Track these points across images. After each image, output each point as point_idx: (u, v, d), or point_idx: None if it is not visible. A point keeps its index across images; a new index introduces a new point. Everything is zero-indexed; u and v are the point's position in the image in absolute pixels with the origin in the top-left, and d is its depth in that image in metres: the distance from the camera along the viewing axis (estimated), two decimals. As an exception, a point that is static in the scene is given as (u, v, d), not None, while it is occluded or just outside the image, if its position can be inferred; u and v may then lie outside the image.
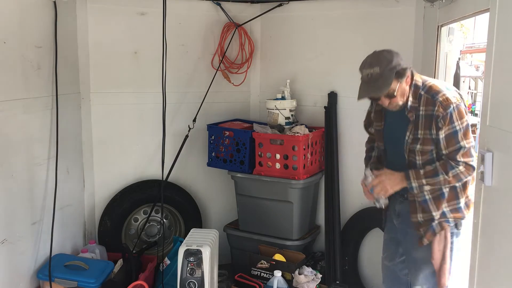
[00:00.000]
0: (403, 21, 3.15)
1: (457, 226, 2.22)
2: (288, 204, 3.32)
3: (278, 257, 3.25)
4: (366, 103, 3.34)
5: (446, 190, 2.20)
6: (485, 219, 1.82)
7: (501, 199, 1.68)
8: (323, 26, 3.53)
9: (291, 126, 3.43)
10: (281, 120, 3.43)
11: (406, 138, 2.24)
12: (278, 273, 3.01)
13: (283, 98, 3.47)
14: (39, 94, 2.83)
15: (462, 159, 2.10)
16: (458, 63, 2.88)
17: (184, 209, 3.69)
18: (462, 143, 2.10)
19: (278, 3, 3.65)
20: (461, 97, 2.19)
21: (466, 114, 2.12)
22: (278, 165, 3.30)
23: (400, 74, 2.12)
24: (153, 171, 3.56)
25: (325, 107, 3.48)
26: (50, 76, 2.90)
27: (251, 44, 3.76)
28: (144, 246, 3.45)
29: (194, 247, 2.75)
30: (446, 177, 2.11)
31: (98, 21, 3.35)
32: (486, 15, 1.92)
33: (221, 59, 3.64)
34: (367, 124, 2.57)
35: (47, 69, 2.88)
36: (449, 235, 2.21)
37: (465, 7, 2.32)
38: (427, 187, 2.18)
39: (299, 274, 3.09)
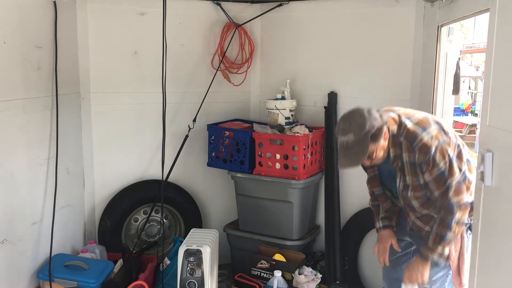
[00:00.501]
0: (403, 21, 3.15)
1: (470, 227, 2.21)
2: (288, 204, 3.32)
3: (278, 257, 3.25)
4: (366, 103, 3.36)
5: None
6: (485, 219, 1.82)
7: (501, 199, 1.68)
8: (323, 26, 3.52)
9: (291, 126, 3.43)
10: (281, 120, 3.43)
11: (397, 185, 2.24)
12: (278, 273, 3.01)
13: (283, 98, 3.47)
14: (39, 94, 2.83)
15: (454, 201, 2.07)
16: (458, 63, 2.87)
17: (184, 209, 3.70)
18: (449, 181, 2.07)
19: (278, 3, 3.65)
20: (441, 129, 2.12)
21: (448, 150, 2.06)
22: (278, 165, 3.30)
23: (375, 136, 2.04)
24: (153, 171, 3.56)
25: (325, 107, 3.48)
26: (50, 76, 2.90)
27: (251, 44, 3.76)
28: (144, 246, 3.46)
29: (194, 247, 2.75)
30: (452, 232, 2.10)
31: (98, 21, 3.35)
32: (486, 15, 1.92)
33: (221, 59, 3.64)
34: (363, 167, 2.46)
35: (47, 69, 2.88)
36: (465, 235, 2.21)
37: (465, 7, 2.32)
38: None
39: (299, 274, 3.09)
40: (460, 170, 2.12)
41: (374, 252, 2.48)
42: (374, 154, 2.09)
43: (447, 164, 2.06)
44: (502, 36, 1.71)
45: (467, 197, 2.09)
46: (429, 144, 2.05)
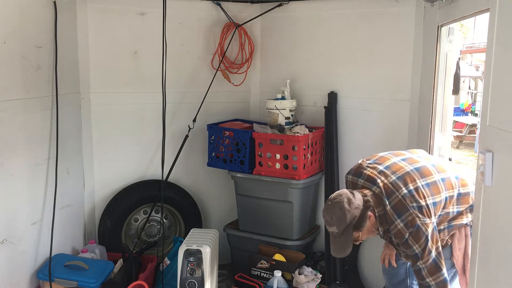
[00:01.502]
0: (403, 21, 3.15)
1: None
2: (288, 204, 3.32)
3: (278, 257, 3.25)
4: (366, 103, 3.37)
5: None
6: (485, 219, 1.82)
7: (501, 199, 1.68)
8: (323, 26, 3.53)
9: (291, 126, 3.43)
10: (281, 120, 3.43)
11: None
12: (278, 273, 3.01)
13: (283, 98, 3.47)
14: (39, 94, 2.83)
15: (428, 281, 2.10)
16: (458, 63, 2.87)
17: (184, 209, 3.69)
18: (419, 263, 2.10)
19: (278, 3, 3.65)
20: (420, 207, 2.10)
21: (424, 232, 2.07)
22: (278, 165, 3.30)
23: (358, 225, 2.12)
24: (153, 171, 3.57)
25: (325, 107, 3.48)
26: (50, 76, 2.90)
27: (251, 44, 3.76)
28: (144, 246, 3.45)
29: (194, 247, 2.75)
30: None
31: (98, 21, 3.35)
32: (486, 15, 1.92)
33: (221, 59, 3.64)
34: None
35: (47, 69, 2.88)
36: (469, 233, 2.22)
37: (465, 7, 2.32)
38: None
39: (299, 274, 3.09)
40: (447, 213, 2.16)
41: (381, 260, 2.56)
42: (361, 237, 2.21)
43: (422, 246, 2.09)
44: (502, 36, 1.71)
45: (444, 275, 2.11)
46: (402, 232, 2.10)
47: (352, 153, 3.46)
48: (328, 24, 3.50)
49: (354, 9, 3.36)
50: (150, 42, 3.34)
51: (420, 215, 2.09)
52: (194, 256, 2.74)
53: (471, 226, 2.22)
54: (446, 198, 2.17)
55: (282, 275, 3.05)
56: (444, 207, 2.18)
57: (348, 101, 3.44)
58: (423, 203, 2.10)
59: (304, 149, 3.24)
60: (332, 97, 3.46)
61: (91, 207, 3.52)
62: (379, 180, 2.18)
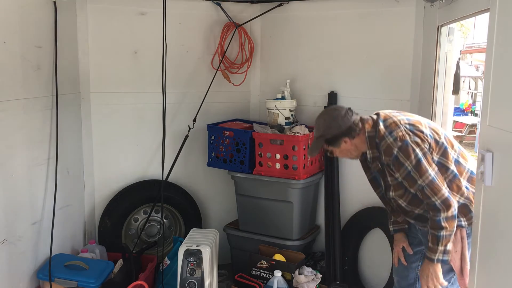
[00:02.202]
0: (403, 21, 3.15)
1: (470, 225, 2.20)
2: (288, 204, 3.32)
3: (278, 257, 3.25)
4: (366, 103, 3.37)
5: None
6: (485, 219, 1.82)
7: (501, 199, 1.68)
8: (323, 26, 3.53)
9: (291, 126, 3.43)
10: (281, 120, 3.43)
11: (383, 186, 2.33)
12: (278, 273, 3.01)
13: (283, 98, 3.47)
14: (39, 94, 2.83)
15: (433, 200, 2.08)
16: (458, 63, 2.87)
17: (184, 209, 3.69)
18: (419, 182, 2.09)
19: (278, 3, 3.65)
20: (411, 130, 2.14)
21: (414, 149, 2.08)
22: (278, 165, 3.30)
23: (330, 141, 2.26)
24: (153, 171, 3.56)
25: (325, 107, 3.48)
26: (50, 76, 2.90)
27: (251, 44, 3.76)
28: (144, 246, 3.45)
29: (194, 247, 2.75)
30: (445, 230, 2.10)
31: (98, 21, 3.35)
32: (486, 15, 1.92)
33: (221, 59, 3.64)
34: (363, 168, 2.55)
35: (47, 69, 2.88)
36: (465, 235, 2.20)
37: (465, 7, 2.32)
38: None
39: (299, 274, 3.09)
40: (446, 168, 2.14)
41: (393, 260, 2.54)
42: (335, 154, 2.35)
43: (413, 164, 2.09)
44: (502, 36, 1.71)
45: (447, 193, 2.09)
46: (392, 146, 2.12)
47: (352, 153, 3.46)
48: (328, 24, 3.50)
49: (354, 9, 3.36)
50: (150, 42, 3.34)
51: (411, 134, 2.12)
52: (194, 256, 2.74)
53: (466, 227, 2.21)
54: (445, 146, 2.17)
55: (282, 275, 3.05)
56: (442, 154, 2.15)
57: (348, 101, 3.43)
58: (418, 128, 2.15)
59: (304, 149, 3.24)
60: (332, 97, 3.46)
61: (91, 207, 3.52)
62: (381, 112, 2.28)
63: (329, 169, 3.44)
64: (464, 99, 12.76)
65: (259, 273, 3.23)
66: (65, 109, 3.04)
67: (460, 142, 10.42)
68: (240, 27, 3.68)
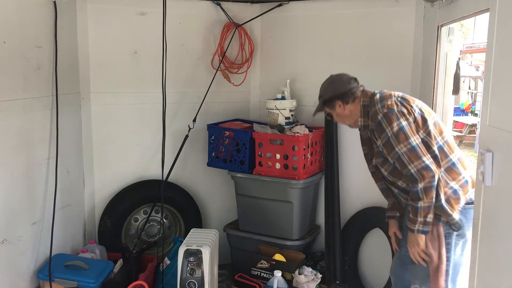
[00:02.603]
0: (403, 21, 3.15)
1: (452, 226, 2.19)
2: (288, 204, 3.32)
3: (278, 257, 3.25)
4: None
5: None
6: (485, 219, 1.82)
7: (501, 199, 1.68)
8: (323, 26, 3.53)
9: (291, 126, 3.43)
10: (281, 120, 3.43)
11: (369, 154, 2.44)
12: (278, 273, 3.01)
13: (283, 98, 3.47)
14: (39, 94, 2.83)
15: (410, 167, 2.12)
16: (458, 63, 2.88)
17: (184, 209, 3.69)
18: (397, 149, 2.15)
19: (278, 3, 3.65)
20: (401, 102, 2.24)
21: (398, 118, 2.16)
22: (278, 165, 3.30)
23: (326, 103, 2.46)
24: (153, 171, 3.56)
25: (325, 107, 3.48)
26: (50, 76, 2.90)
27: (251, 44, 3.76)
28: (144, 246, 3.46)
29: (194, 247, 2.75)
30: (422, 201, 2.13)
31: (98, 21, 3.35)
32: (486, 15, 1.92)
33: (221, 59, 3.64)
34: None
35: (47, 69, 2.88)
36: (442, 233, 2.20)
37: (465, 7, 2.32)
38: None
39: (299, 274, 3.09)
40: (428, 146, 2.18)
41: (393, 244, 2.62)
42: (334, 118, 2.53)
43: (394, 130, 2.16)
44: (502, 36, 1.71)
45: (426, 162, 2.12)
46: (378, 112, 2.23)
47: (352, 153, 3.46)
48: (328, 24, 3.51)
49: (354, 9, 3.37)
50: (150, 42, 3.34)
51: (399, 104, 2.23)
52: (194, 256, 2.74)
53: (446, 224, 2.20)
54: (430, 128, 2.22)
55: (282, 275, 3.05)
56: (428, 134, 2.21)
57: (348, 101, 3.43)
58: (408, 102, 2.26)
59: (304, 149, 3.24)
60: (332, 97, 3.46)
61: (91, 207, 3.52)
62: (385, 90, 2.38)
63: (329, 169, 3.44)
64: (464, 99, 12.76)
65: (259, 273, 3.23)
66: (65, 109, 3.04)
67: (460, 142, 10.42)
68: (240, 27, 3.68)
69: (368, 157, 2.48)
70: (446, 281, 2.24)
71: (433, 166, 2.13)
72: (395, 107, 2.21)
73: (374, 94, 2.35)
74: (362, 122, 2.38)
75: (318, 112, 2.57)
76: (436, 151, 2.20)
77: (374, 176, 2.52)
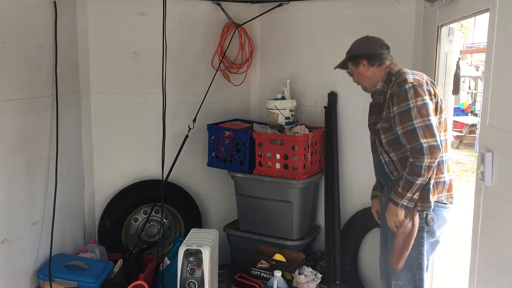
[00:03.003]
0: (403, 21, 3.15)
1: (427, 220, 2.23)
2: (288, 204, 3.32)
3: (278, 257, 3.25)
4: (366, 102, 3.36)
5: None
6: (485, 219, 1.82)
7: (501, 199, 1.68)
8: (323, 26, 3.53)
9: (291, 126, 3.43)
10: (281, 120, 3.43)
11: (373, 121, 2.42)
12: (278, 273, 3.01)
13: (283, 98, 3.47)
14: (39, 94, 2.83)
15: (423, 141, 2.11)
16: (458, 63, 2.88)
17: (184, 209, 3.70)
18: (415, 122, 2.13)
19: (278, 3, 3.65)
20: (431, 85, 2.25)
21: (425, 94, 2.16)
22: (278, 165, 3.30)
23: (352, 59, 2.45)
24: (153, 171, 3.56)
25: (325, 107, 3.48)
26: (50, 76, 2.90)
27: (251, 44, 3.76)
28: (144, 246, 3.45)
29: (194, 247, 2.75)
30: (421, 178, 2.14)
31: (98, 21, 3.35)
32: (486, 15, 1.92)
33: (221, 59, 3.64)
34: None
35: (47, 69, 2.88)
36: (416, 222, 2.22)
37: (465, 7, 2.32)
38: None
39: (299, 274, 3.09)
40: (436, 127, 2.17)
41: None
42: (353, 76, 2.51)
43: (418, 104, 2.14)
44: (502, 36, 1.71)
45: (438, 143, 2.13)
46: (408, 80, 2.20)
47: (352, 153, 3.46)
48: (328, 24, 3.50)
49: (354, 9, 3.36)
50: (150, 42, 3.34)
51: (430, 84, 2.23)
52: (194, 256, 2.74)
53: (425, 217, 2.23)
54: (440, 121, 2.24)
55: (282, 275, 3.05)
56: (439, 122, 2.22)
57: (348, 101, 3.43)
58: (435, 88, 2.26)
59: (304, 149, 3.24)
60: (332, 97, 3.46)
61: (91, 207, 3.52)
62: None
63: (329, 169, 3.44)
64: (464, 99, 12.75)
65: (259, 273, 3.23)
66: (65, 109, 3.04)
67: (460, 142, 10.42)
68: (240, 27, 3.68)
69: (372, 127, 2.48)
70: (420, 274, 2.30)
71: (441, 148, 2.15)
72: (424, 84, 2.20)
73: (404, 69, 2.35)
74: (381, 87, 2.37)
75: (340, 67, 2.54)
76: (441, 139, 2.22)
77: (372, 147, 2.53)
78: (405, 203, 2.19)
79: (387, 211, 2.31)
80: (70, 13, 3.20)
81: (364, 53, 2.41)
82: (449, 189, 2.30)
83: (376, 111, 2.44)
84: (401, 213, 2.22)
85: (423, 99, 2.15)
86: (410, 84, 2.18)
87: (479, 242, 1.85)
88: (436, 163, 2.15)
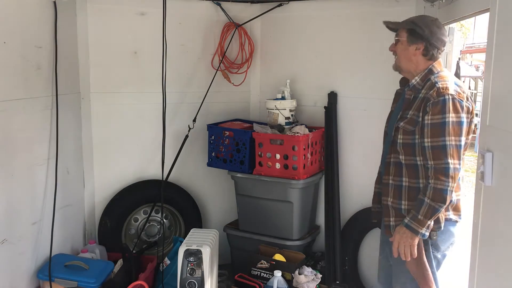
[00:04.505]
0: (403, 21, 3.15)
1: (430, 235, 2.11)
2: (288, 204, 3.32)
3: (278, 257, 3.25)
4: (366, 102, 3.37)
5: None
6: (485, 219, 1.82)
7: (501, 199, 1.68)
8: (323, 26, 3.53)
9: (291, 126, 3.43)
10: (281, 120, 3.43)
11: (398, 116, 2.22)
12: (278, 273, 3.01)
13: (283, 98, 3.47)
14: (39, 94, 2.83)
15: (449, 162, 1.97)
16: (458, 63, 2.88)
17: (184, 209, 3.69)
18: (447, 139, 1.98)
19: (278, 3, 3.65)
20: (470, 99, 2.11)
21: (463, 112, 2.01)
22: (278, 165, 3.30)
23: (411, 32, 2.16)
24: (153, 171, 3.56)
25: (325, 107, 3.48)
26: (50, 76, 2.90)
27: (251, 44, 3.76)
28: (144, 246, 3.46)
29: (194, 247, 2.75)
30: (445, 204, 2.01)
31: (98, 21, 3.35)
32: (486, 15, 1.92)
33: (221, 59, 3.64)
34: None
35: (47, 69, 2.88)
36: (421, 242, 2.12)
37: (465, 7, 2.32)
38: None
39: (299, 274, 3.09)
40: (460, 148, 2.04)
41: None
42: (396, 51, 2.24)
43: (455, 120, 1.99)
44: (502, 36, 1.71)
45: (460, 165, 2.02)
46: (448, 90, 2.02)
47: (352, 153, 3.46)
48: (328, 24, 3.50)
49: (354, 9, 3.36)
50: (150, 42, 3.34)
51: (469, 100, 2.07)
52: (194, 256, 2.74)
53: (425, 236, 2.11)
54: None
55: (282, 275, 3.05)
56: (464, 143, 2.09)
57: (348, 101, 3.43)
58: (472, 105, 2.11)
59: (304, 149, 3.24)
60: (332, 97, 3.46)
61: (91, 207, 3.52)
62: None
63: (329, 169, 3.44)
64: (464, 99, 12.72)
65: (259, 273, 3.23)
66: (65, 109, 3.04)
67: (460, 142, 10.39)
68: (240, 27, 3.68)
69: (391, 116, 2.35)
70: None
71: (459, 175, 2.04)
72: (464, 100, 2.04)
73: (444, 72, 2.17)
74: (416, 83, 2.16)
75: (393, 24, 2.26)
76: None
77: (384, 138, 2.40)
78: (424, 231, 2.04)
79: (398, 237, 2.12)
80: (70, 13, 3.20)
81: (427, 37, 2.13)
82: (456, 209, 2.19)
83: (400, 103, 2.27)
84: (416, 242, 2.07)
85: (461, 117, 2.00)
86: (450, 96, 2.00)
87: (479, 242, 1.85)
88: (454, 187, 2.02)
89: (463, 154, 2.14)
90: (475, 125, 2.17)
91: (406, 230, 2.08)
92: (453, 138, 1.99)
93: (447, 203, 2.02)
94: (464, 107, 2.03)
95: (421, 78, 2.17)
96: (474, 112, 2.13)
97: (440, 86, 2.04)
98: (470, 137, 2.15)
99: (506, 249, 1.63)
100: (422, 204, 2.03)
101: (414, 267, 2.15)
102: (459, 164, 2.01)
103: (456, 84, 2.11)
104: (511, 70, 1.62)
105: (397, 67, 2.28)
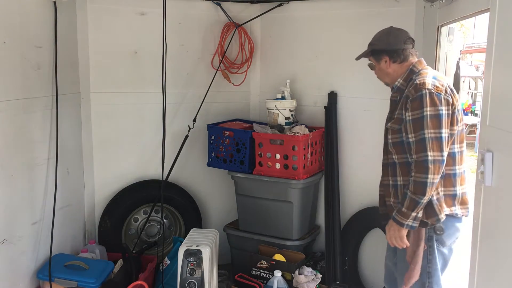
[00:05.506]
0: (403, 21, 3.13)
1: (435, 229, 2.14)
2: (288, 204, 3.32)
3: (278, 257, 3.25)
4: (366, 103, 3.37)
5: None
6: (485, 219, 1.82)
7: (501, 199, 1.68)
8: (323, 26, 3.53)
9: (291, 126, 3.43)
10: (281, 120, 3.43)
11: (387, 117, 2.33)
12: (278, 273, 3.01)
13: (283, 98, 3.47)
14: (39, 94, 2.83)
15: (429, 154, 2.02)
16: (458, 63, 2.89)
17: (184, 209, 3.69)
18: (425, 132, 2.03)
19: (278, 3, 3.65)
20: (451, 93, 2.13)
21: (442, 104, 2.05)
22: (278, 165, 3.30)
23: (374, 54, 2.34)
24: (153, 171, 3.56)
25: (325, 107, 3.48)
26: (50, 76, 2.90)
27: (251, 44, 3.76)
28: (144, 246, 3.46)
29: (194, 247, 2.75)
30: (426, 196, 2.05)
31: (98, 21, 3.35)
32: (486, 15, 1.92)
33: (221, 59, 3.64)
34: None
35: (47, 69, 2.88)
36: (423, 234, 2.15)
37: (465, 7, 2.32)
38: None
39: (299, 274, 3.09)
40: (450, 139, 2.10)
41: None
42: (376, 71, 2.40)
43: (433, 113, 2.04)
44: (502, 36, 1.71)
45: (444, 158, 2.05)
46: (425, 85, 2.09)
47: (352, 153, 3.46)
48: (328, 24, 3.50)
49: (354, 9, 3.36)
50: (150, 42, 3.34)
51: (448, 94, 2.10)
52: (194, 256, 2.74)
53: (432, 227, 2.15)
54: (455, 133, 2.14)
55: (282, 275, 3.05)
56: (450, 135, 2.12)
57: (348, 101, 3.43)
58: (455, 97, 2.14)
59: (304, 149, 3.24)
60: (332, 97, 3.46)
61: (91, 207, 3.52)
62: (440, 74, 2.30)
63: (329, 169, 3.44)
64: (464, 99, 12.73)
65: (259, 273, 3.23)
66: (65, 109, 3.04)
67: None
68: (240, 27, 3.68)
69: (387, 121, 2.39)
70: (430, 282, 2.21)
71: (443, 165, 2.06)
72: (443, 93, 2.08)
73: (426, 69, 2.24)
74: (399, 84, 2.27)
75: (362, 57, 2.42)
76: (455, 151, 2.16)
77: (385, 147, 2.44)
78: (410, 223, 2.10)
79: (388, 229, 2.22)
80: (70, 13, 3.20)
81: (386, 49, 2.27)
82: (463, 202, 2.19)
83: (392, 105, 2.34)
84: (404, 233, 2.14)
85: (439, 110, 2.05)
86: (427, 90, 2.06)
87: (479, 242, 1.85)
88: (438, 179, 2.06)
89: (459, 143, 2.18)
90: (461, 114, 2.20)
91: (393, 223, 2.17)
92: (431, 131, 2.04)
93: (428, 195, 2.06)
94: (443, 100, 2.08)
95: (404, 79, 2.27)
96: (457, 103, 2.15)
97: (417, 82, 2.12)
98: (456, 128, 2.15)
99: (506, 249, 1.63)
100: (405, 197, 2.11)
101: (411, 257, 2.19)
102: (442, 155, 2.05)
103: (435, 78, 2.16)
104: (511, 70, 1.62)
105: (386, 84, 2.42)
